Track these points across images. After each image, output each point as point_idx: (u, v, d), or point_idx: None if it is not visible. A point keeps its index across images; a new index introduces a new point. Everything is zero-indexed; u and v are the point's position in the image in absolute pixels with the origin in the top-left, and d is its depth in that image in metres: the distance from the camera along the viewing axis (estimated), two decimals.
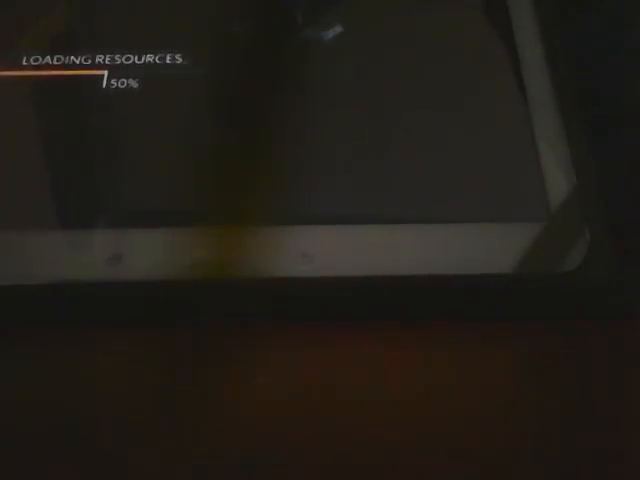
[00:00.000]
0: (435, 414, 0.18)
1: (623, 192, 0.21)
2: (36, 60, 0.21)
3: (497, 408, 0.18)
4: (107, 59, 0.21)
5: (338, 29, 0.22)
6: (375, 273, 0.18)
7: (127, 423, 0.17)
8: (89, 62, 0.21)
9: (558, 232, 0.19)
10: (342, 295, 0.18)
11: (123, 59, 0.21)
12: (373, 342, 0.19)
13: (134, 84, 0.21)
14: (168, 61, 0.21)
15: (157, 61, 0.21)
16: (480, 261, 0.19)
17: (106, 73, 0.21)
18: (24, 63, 0.21)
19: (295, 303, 0.18)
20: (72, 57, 0.21)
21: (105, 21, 0.22)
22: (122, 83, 0.21)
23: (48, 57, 0.21)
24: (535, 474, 0.17)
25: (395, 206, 0.20)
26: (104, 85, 0.21)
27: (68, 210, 0.19)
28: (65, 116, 0.21)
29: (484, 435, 0.18)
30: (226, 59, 0.22)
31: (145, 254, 0.18)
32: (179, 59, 0.21)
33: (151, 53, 0.22)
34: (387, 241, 0.19)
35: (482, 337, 0.19)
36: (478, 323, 0.19)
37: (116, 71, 0.21)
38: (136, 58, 0.21)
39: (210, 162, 0.20)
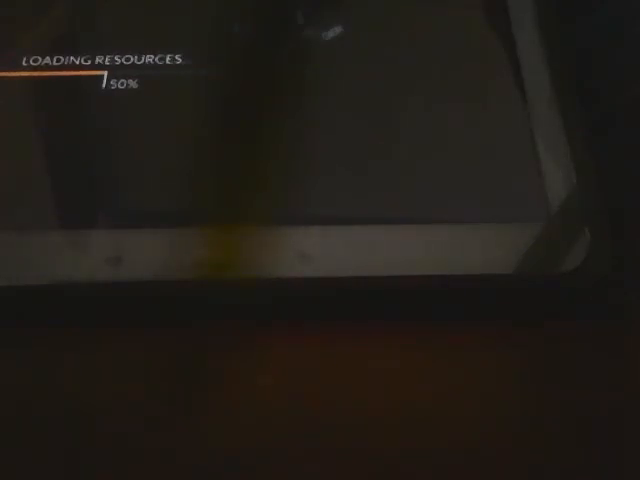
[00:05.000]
0: (435, 414, 0.18)
1: (623, 192, 0.21)
2: (36, 60, 0.21)
3: (497, 407, 0.18)
4: (107, 60, 0.21)
5: (338, 29, 0.22)
6: (374, 273, 0.18)
7: (127, 422, 0.17)
8: (89, 63, 0.21)
9: (558, 232, 0.19)
10: (342, 295, 0.19)
11: (123, 59, 0.21)
12: (373, 342, 0.19)
13: (134, 84, 0.21)
14: (168, 61, 0.21)
15: (157, 61, 0.21)
16: (480, 261, 0.19)
17: (106, 74, 0.21)
18: (24, 63, 0.21)
19: (294, 303, 0.18)
20: (72, 57, 0.21)
21: (105, 21, 0.22)
22: (122, 84, 0.21)
23: (48, 57, 0.21)
24: (535, 473, 0.17)
25: (395, 206, 0.20)
26: (104, 86, 0.21)
27: (68, 210, 0.19)
28: (65, 117, 0.21)
29: (484, 434, 0.18)
30: (226, 59, 0.22)
31: (145, 254, 0.18)
32: (179, 59, 0.21)
33: (151, 53, 0.22)
34: (387, 241, 0.19)
35: (482, 337, 0.19)
36: (478, 323, 0.19)
37: (116, 71, 0.21)
38: (136, 58, 0.21)
39: (210, 162, 0.20)
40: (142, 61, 0.21)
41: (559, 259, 0.19)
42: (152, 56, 0.22)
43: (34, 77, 0.21)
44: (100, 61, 0.21)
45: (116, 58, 0.21)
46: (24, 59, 0.21)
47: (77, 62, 0.21)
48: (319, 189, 0.20)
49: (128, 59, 0.21)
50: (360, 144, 0.20)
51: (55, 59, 0.21)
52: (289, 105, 0.21)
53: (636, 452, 0.17)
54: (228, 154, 0.20)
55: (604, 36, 0.23)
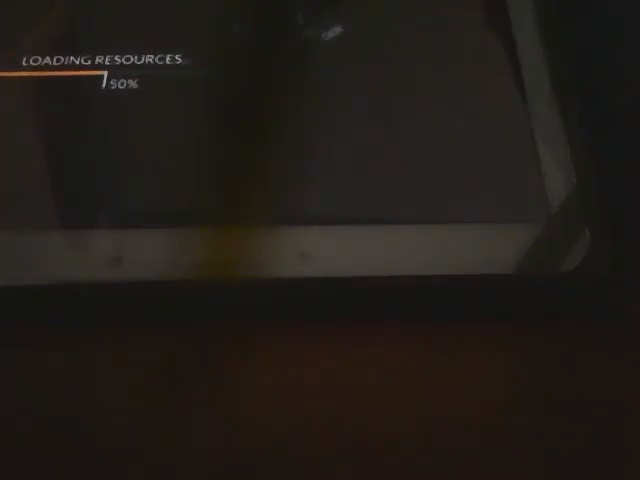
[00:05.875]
0: (435, 413, 0.18)
1: (623, 192, 0.21)
2: (36, 60, 0.21)
3: (497, 408, 0.18)
4: (107, 60, 0.21)
5: (338, 29, 0.22)
6: (375, 273, 0.18)
7: (127, 422, 0.17)
8: (89, 63, 0.21)
9: (558, 232, 0.19)
10: (342, 295, 0.19)
11: (123, 59, 0.21)
12: (373, 342, 0.19)
13: (134, 85, 0.21)
14: (168, 61, 0.21)
15: (157, 61, 0.21)
16: (480, 261, 0.19)
17: (106, 74, 0.21)
18: (24, 63, 0.21)
19: (294, 303, 0.18)
20: (72, 58, 0.21)
21: (105, 21, 0.22)
22: (122, 84, 0.21)
23: (48, 57, 0.21)
24: (535, 473, 0.17)
25: (395, 206, 0.20)
26: (104, 86, 0.21)
27: (68, 210, 0.19)
28: (65, 117, 0.21)
29: (484, 434, 0.18)
30: (226, 59, 0.22)
31: (145, 254, 0.18)
32: (179, 59, 0.21)
33: (151, 53, 0.22)
34: (387, 241, 0.19)
35: (482, 337, 0.19)
36: (478, 323, 0.19)
37: (116, 72, 0.21)
38: (136, 58, 0.21)
39: (210, 162, 0.20)
40: (142, 61, 0.21)
41: (559, 259, 0.19)
42: (152, 56, 0.22)
43: (34, 77, 0.21)
44: (100, 61, 0.21)
45: (116, 58, 0.21)
46: (24, 59, 0.21)
47: (77, 62, 0.21)
48: (319, 189, 0.20)
49: (128, 59, 0.21)
50: (360, 144, 0.20)
51: (55, 59, 0.21)
52: (289, 105, 0.21)
53: (636, 452, 0.17)
54: (228, 154, 0.20)
55: (604, 36, 0.23)
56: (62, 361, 0.18)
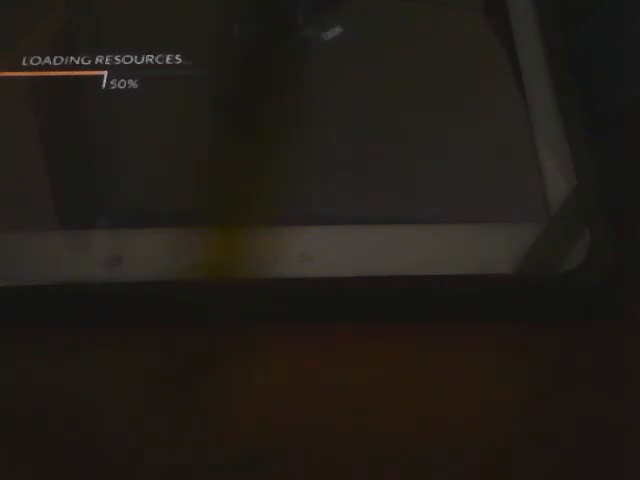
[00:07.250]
0: (435, 413, 0.18)
1: (623, 192, 0.21)
2: (36, 61, 0.21)
3: (497, 408, 0.18)
4: (107, 60, 0.21)
5: (338, 29, 0.22)
6: (374, 273, 0.18)
7: (127, 422, 0.17)
8: (89, 63, 0.21)
9: (558, 232, 0.19)
10: (341, 295, 0.19)
11: (123, 60, 0.21)
12: (373, 342, 0.19)
13: (134, 85, 0.21)
14: (168, 61, 0.21)
15: (157, 61, 0.21)
16: (480, 261, 0.19)
17: (106, 74, 0.21)
18: (24, 64, 0.21)
19: (294, 303, 0.18)
20: (72, 58, 0.21)
21: (105, 21, 0.22)
22: (122, 84, 0.21)
23: (48, 58, 0.21)
24: (535, 473, 0.17)
25: (395, 206, 0.20)
26: (104, 86, 0.21)
27: (68, 210, 0.19)
28: (65, 117, 0.21)
29: (483, 434, 0.18)
30: (226, 59, 0.22)
31: (145, 254, 0.18)
32: (179, 59, 0.21)
33: (151, 53, 0.22)
34: (387, 241, 0.19)
35: (482, 337, 0.19)
36: (478, 323, 0.19)
37: (116, 72, 0.21)
38: (136, 58, 0.21)
39: (210, 162, 0.20)
40: (142, 61, 0.21)
41: (559, 259, 0.19)
42: (152, 56, 0.22)
43: (34, 77, 0.21)
44: (100, 61, 0.21)
45: (116, 58, 0.21)
46: (24, 59, 0.21)
47: (77, 62, 0.21)
48: (319, 189, 0.20)
49: (128, 59, 0.21)
50: (360, 144, 0.20)
51: (55, 59, 0.21)
52: (289, 105, 0.21)
53: (637, 452, 0.17)
54: (228, 154, 0.20)
55: (604, 36, 0.23)
56: (62, 361, 0.18)
